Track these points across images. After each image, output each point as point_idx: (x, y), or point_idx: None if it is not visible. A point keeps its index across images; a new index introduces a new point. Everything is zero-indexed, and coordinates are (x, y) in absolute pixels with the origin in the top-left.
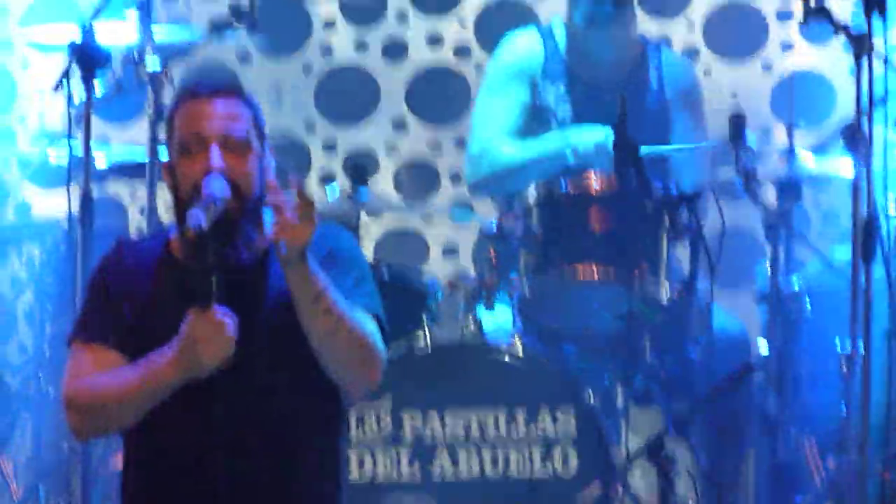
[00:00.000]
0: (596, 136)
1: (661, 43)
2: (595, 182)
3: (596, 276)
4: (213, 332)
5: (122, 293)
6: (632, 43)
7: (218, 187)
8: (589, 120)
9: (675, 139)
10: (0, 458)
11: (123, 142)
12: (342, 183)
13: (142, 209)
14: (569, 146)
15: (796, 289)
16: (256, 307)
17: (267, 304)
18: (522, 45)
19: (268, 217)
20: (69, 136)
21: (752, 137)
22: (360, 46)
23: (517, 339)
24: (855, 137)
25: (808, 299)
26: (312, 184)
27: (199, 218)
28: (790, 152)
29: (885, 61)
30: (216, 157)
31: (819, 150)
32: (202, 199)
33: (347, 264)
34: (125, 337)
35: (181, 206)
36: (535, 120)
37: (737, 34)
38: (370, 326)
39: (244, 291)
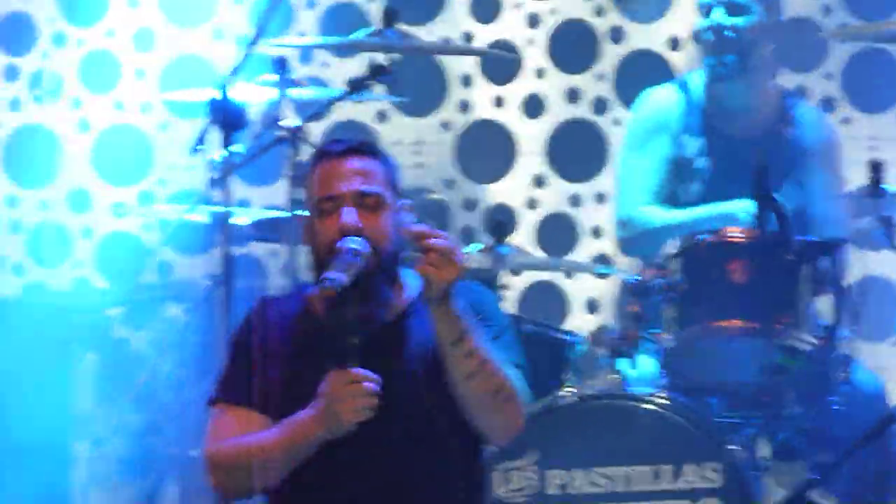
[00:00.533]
0: (746, 208)
1: (799, 95)
2: (736, 233)
3: (739, 329)
4: (353, 392)
5: (262, 352)
6: (767, 94)
7: (357, 244)
8: (728, 172)
9: (813, 190)
10: None
11: (263, 203)
12: (483, 239)
13: (282, 268)
14: (721, 217)
15: None
16: (396, 364)
17: (406, 360)
18: (661, 99)
19: (409, 266)
20: (209, 197)
21: (891, 185)
22: (498, 102)
23: (663, 392)
24: None
25: None
26: (453, 241)
27: (338, 275)
28: None
29: None
30: (350, 215)
31: None
32: (341, 256)
33: (488, 319)
34: (266, 395)
35: (319, 265)
36: (676, 174)
37: (875, 83)
38: (513, 373)
39: (383, 349)
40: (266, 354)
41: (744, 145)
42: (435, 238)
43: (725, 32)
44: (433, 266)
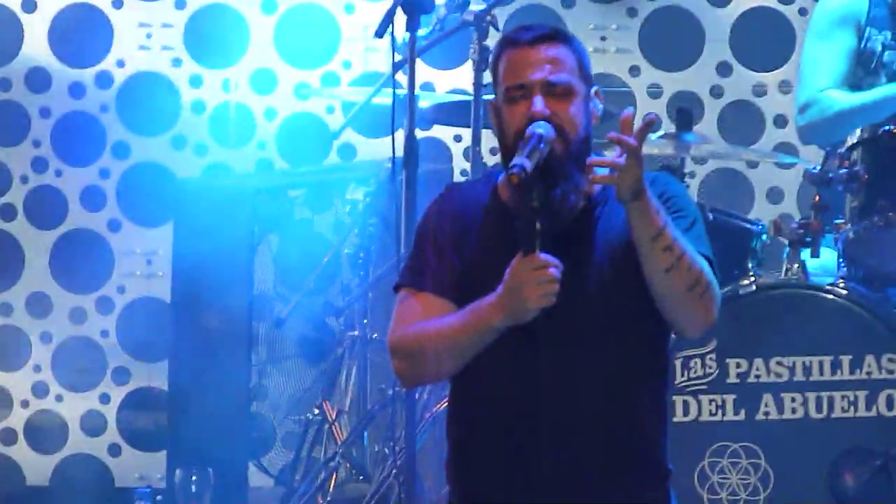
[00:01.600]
0: None
1: None
2: None
3: None
4: (537, 277)
5: (450, 239)
6: None
7: (543, 129)
8: None
9: None
10: (324, 403)
11: (448, 88)
12: (668, 127)
13: (466, 152)
14: None
15: None
16: (584, 252)
17: (595, 249)
18: None
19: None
20: (394, 79)
21: None
22: None
23: (842, 282)
24: None
25: None
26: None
27: (523, 161)
28: None
29: None
30: (539, 104)
31: None
32: (527, 142)
33: (679, 210)
34: (452, 283)
35: (507, 152)
36: (862, 66)
37: None
38: (707, 266)
39: (572, 236)
40: (452, 241)
41: None
42: (629, 138)
43: None
44: (613, 171)
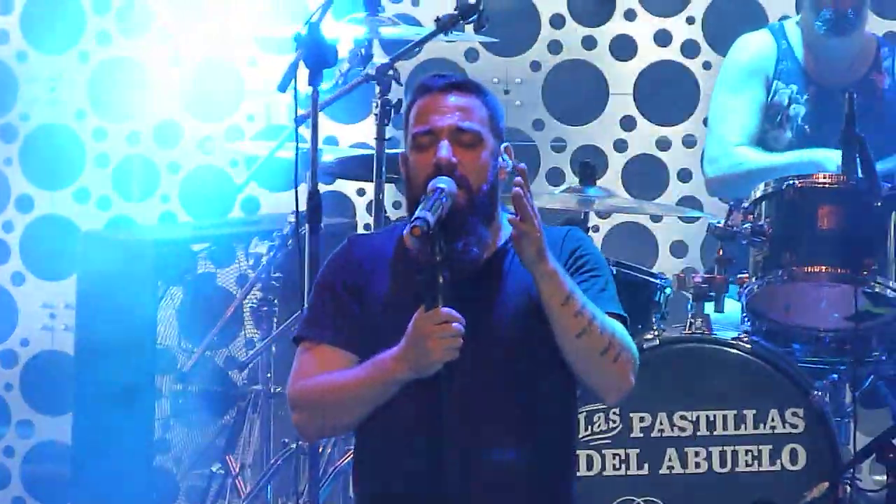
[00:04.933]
0: (836, 157)
1: (893, 43)
2: (824, 179)
3: (825, 275)
4: (440, 332)
5: (351, 290)
6: (866, 44)
7: (445, 184)
8: (821, 121)
9: None
10: (227, 457)
11: (351, 142)
12: (571, 181)
13: (369, 206)
14: (812, 164)
15: None
16: (487, 304)
17: (499, 301)
18: (757, 45)
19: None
20: (297, 133)
21: None
22: (589, 43)
23: (746, 336)
24: None
25: None
26: (542, 182)
27: (425, 215)
28: None
29: None
30: (445, 149)
31: None
32: (429, 196)
33: (594, 268)
34: (353, 335)
35: (413, 202)
36: (768, 119)
37: None
38: (620, 329)
39: (477, 289)
40: (354, 292)
41: (839, 94)
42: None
43: None
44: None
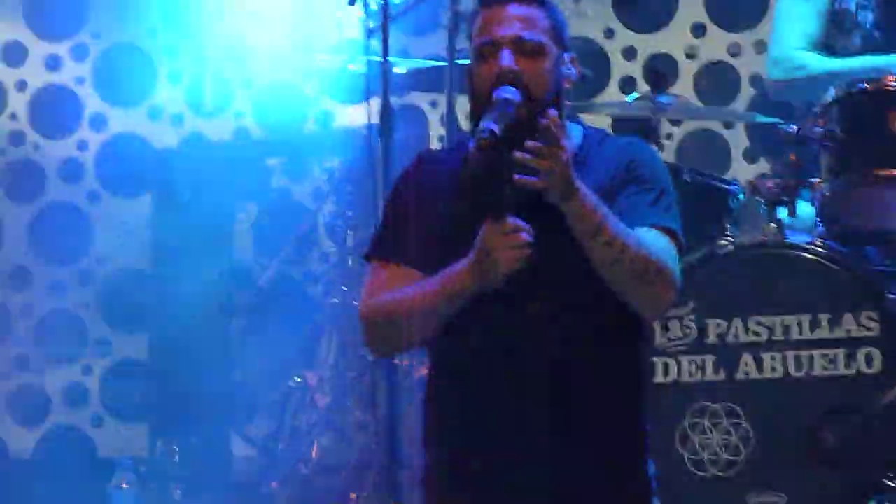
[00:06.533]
0: None
1: None
2: (894, 81)
3: None
4: (508, 241)
5: (421, 208)
6: None
7: (510, 94)
8: (889, 26)
9: None
10: (304, 371)
11: (422, 54)
12: (642, 89)
13: (442, 118)
14: (878, 69)
15: None
16: (553, 215)
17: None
18: None
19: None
20: (367, 47)
21: None
22: None
23: (819, 241)
24: None
25: None
26: (614, 91)
27: (491, 125)
28: None
29: None
30: (507, 58)
31: None
32: (494, 107)
33: (647, 179)
34: (423, 252)
35: (477, 113)
36: (836, 26)
37: None
38: (661, 244)
39: (541, 199)
40: (423, 210)
41: None
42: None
43: None
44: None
